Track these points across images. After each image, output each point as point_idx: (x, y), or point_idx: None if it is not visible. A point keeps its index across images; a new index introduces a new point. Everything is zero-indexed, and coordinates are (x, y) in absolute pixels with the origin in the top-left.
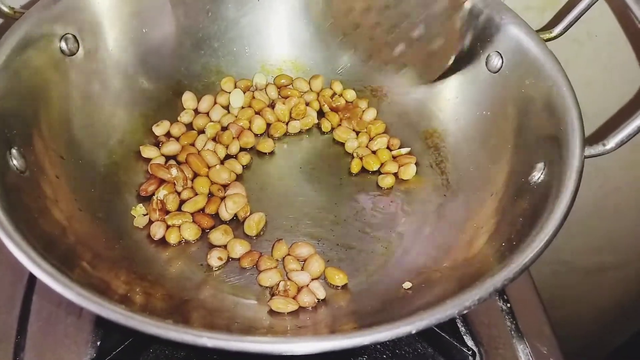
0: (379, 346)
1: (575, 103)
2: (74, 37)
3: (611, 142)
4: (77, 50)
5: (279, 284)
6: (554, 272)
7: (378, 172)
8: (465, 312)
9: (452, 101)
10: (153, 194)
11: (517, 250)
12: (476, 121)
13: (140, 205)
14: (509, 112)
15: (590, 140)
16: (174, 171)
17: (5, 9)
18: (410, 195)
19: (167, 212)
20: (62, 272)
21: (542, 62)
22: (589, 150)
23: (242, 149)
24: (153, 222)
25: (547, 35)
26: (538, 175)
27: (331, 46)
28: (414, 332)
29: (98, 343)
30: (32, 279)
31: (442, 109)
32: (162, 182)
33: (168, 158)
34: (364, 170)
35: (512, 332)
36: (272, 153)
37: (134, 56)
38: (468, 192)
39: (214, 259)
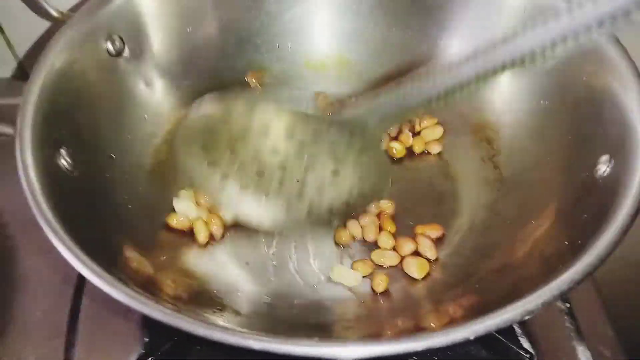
0: None
1: None
2: (120, 38)
3: None
4: (123, 51)
5: None
6: (613, 267)
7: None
8: (527, 317)
9: (505, 91)
10: None
11: (584, 250)
12: (532, 112)
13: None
14: (568, 101)
15: None
16: None
17: (54, 13)
18: (460, 191)
19: None
20: (111, 272)
21: (605, 48)
22: None
23: None
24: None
25: None
26: (604, 168)
27: (377, 39)
28: (471, 338)
29: (146, 339)
30: (81, 277)
31: (494, 100)
32: None
33: None
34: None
35: (572, 334)
36: None
37: (179, 55)
38: (524, 187)
39: None
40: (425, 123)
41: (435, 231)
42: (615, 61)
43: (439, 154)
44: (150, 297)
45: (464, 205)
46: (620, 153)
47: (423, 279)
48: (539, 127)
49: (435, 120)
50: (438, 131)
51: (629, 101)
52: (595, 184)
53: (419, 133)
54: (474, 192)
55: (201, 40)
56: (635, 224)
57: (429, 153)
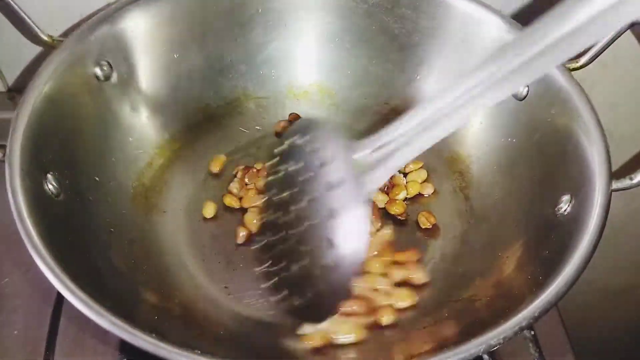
0: None
1: (602, 137)
2: (109, 63)
3: (639, 176)
4: (111, 76)
5: None
6: (576, 292)
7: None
8: (493, 349)
9: (476, 127)
10: None
11: (544, 286)
12: (501, 148)
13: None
14: (535, 140)
15: (618, 166)
16: None
17: (45, 38)
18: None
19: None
20: (94, 297)
21: (568, 93)
22: (616, 184)
23: None
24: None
25: (573, 65)
26: (565, 207)
27: (358, 70)
28: None
29: None
30: (60, 296)
31: (466, 134)
32: None
33: None
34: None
35: None
36: None
37: (165, 80)
38: (493, 220)
39: None
40: (411, 166)
41: (413, 256)
42: (578, 107)
43: None
44: (132, 324)
45: (437, 234)
46: (580, 193)
47: None
48: (507, 163)
49: (420, 164)
50: (423, 173)
51: (589, 145)
52: (557, 221)
53: (406, 174)
54: (447, 222)
55: (187, 66)
56: (602, 252)
57: (422, 195)
